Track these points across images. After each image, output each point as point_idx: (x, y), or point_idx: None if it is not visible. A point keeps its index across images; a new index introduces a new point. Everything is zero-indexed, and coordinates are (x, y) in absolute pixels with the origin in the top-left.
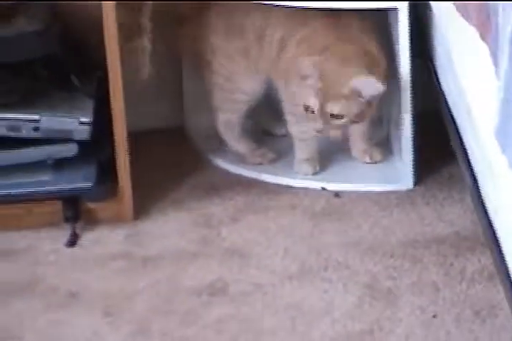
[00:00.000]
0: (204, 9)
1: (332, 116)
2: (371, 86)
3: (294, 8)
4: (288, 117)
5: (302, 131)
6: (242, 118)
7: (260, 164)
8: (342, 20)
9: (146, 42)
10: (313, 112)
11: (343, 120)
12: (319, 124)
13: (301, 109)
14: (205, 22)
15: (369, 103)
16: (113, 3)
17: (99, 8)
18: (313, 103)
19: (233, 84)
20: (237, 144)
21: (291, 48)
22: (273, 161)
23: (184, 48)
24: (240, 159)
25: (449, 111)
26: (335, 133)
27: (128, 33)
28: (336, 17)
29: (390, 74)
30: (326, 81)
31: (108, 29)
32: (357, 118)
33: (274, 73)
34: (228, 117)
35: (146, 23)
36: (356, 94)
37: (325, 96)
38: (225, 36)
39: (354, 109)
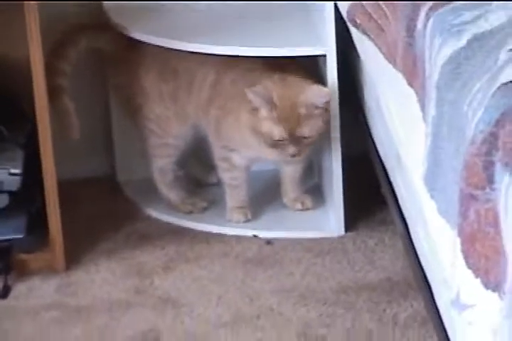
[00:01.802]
0: (138, 49)
1: (305, 138)
2: (320, 93)
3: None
4: (219, 163)
5: (233, 178)
6: (175, 165)
7: (191, 213)
8: (278, 62)
9: (66, 103)
10: (282, 140)
11: (314, 137)
12: (293, 150)
13: (268, 140)
14: (139, 63)
15: (326, 110)
16: (40, 53)
17: (28, 61)
18: (279, 133)
19: (163, 129)
20: (169, 192)
21: (225, 87)
22: (204, 210)
23: (115, 91)
24: (172, 208)
25: (379, 156)
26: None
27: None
28: (270, 61)
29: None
30: (279, 108)
31: (37, 79)
32: (326, 129)
33: (203, 118)
34: (162, 163)
35: (64, 83)
36: (312, 108)
37: (288, 122)
38: (157, 78)
39: (320, 123)
